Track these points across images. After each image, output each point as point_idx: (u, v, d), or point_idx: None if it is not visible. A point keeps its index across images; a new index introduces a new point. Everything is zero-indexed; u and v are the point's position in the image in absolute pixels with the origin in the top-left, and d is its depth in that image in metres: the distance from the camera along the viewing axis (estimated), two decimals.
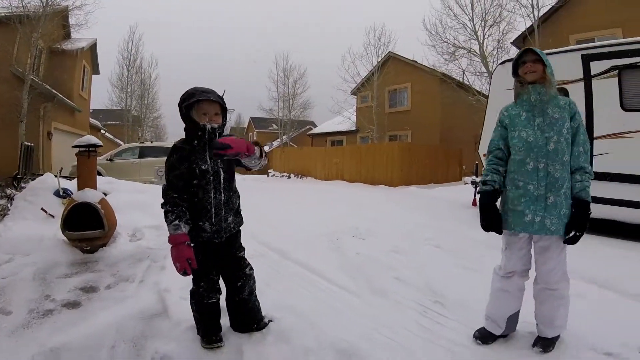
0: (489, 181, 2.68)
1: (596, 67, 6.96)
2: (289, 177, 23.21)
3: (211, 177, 2.41)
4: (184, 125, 2.45)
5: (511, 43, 17.94)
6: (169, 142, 17.25)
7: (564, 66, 7.21)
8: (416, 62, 23.03)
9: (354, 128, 26.89)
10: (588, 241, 6.04)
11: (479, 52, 18.18)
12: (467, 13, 18.45)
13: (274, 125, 38.29)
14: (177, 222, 2.28)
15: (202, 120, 2.36)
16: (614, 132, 6.68)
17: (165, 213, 2.32)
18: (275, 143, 38.69)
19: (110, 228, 4.76)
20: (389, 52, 24.19)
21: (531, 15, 16.47)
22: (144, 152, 15.68)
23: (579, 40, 15.11)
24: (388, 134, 24.05)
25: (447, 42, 19.26)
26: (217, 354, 2.57)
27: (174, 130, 43.96)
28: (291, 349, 2.59)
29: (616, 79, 6.73)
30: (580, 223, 2.48)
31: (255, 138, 41.48)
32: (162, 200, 2.35)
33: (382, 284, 4.01)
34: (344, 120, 27.35)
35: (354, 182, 18.56)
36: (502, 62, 8.53)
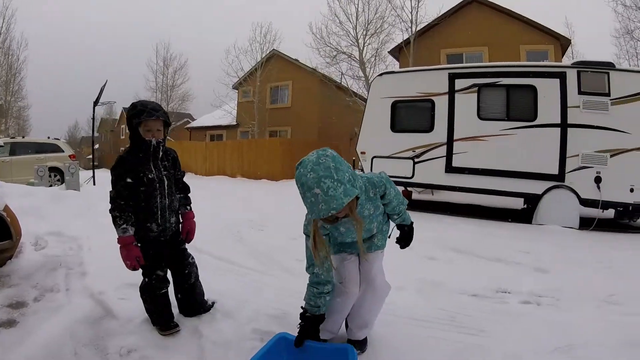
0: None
1: (460, 83, 8.70)
2: None
3: (157, 185, 2.74)
4: (130, 135, 2.76)
5: (388, 52, 19.71)
6: (42, 138, 15.49)
7: (434, 81, 8.97)
8: (298, 61, 23.85)
9: (234, 122, 26.79)
10: (452, 221, 7.97)
11: (358, 58, 19.79)
12: (352, 21, 19.97)
13: None
14: (125, 225, 2.57)
15: (146, 136, 2.67)
16: (471, 135, 8.46)
17: (114, 218, 2.59)
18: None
19: (18, 237, 4.26)
20: (274, 49, 24.59)
21: (409, 30, 18.32)
22: (15, 149, 14.10)
23: (449, 54, 17.49)
24: (268, 130, 24.59)
25: (330, 46, 20.56)
26: (178, 337, 2.81)
27: (40, 125, 39.34)
28: (237, 320, 3.01)
29: (476, 94, 8.51)
30: (407, 239, 2.68)
31: (127, 131, 38.38)
32: (110, 207, 2.61)
33: (289, 264, 4.75)
34: (224, 114, 26.97)
35: (236, 177, 18.89)
36: (381, 74, 9.93)
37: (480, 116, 8.47)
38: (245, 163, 19.20)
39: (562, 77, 7.94)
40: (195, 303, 3.07)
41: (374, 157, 9.33)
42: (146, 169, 2.69)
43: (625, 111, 7.70)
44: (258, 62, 24.35)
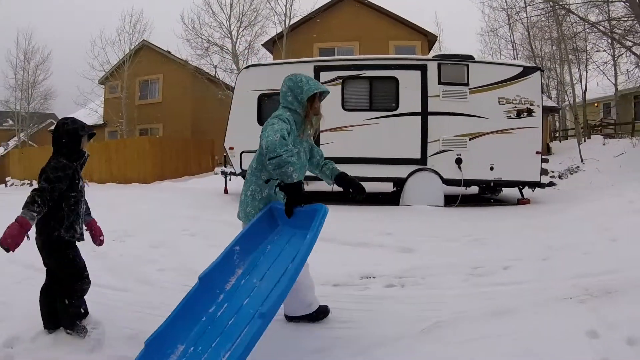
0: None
1: (325, 76, 8.68)
2: (32, 184, 19.21)
3: (82, 192, 3.01)
4: (64, 144, 2.90)
5: (262, 45, 19.42)
6: None
7: None
8: (170, 52, 22.56)
9: (101, 122, 24.26)
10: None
11: (231, 51, 19.15)
12: (226, 12, 19.33)
13: (10, 121, 31.28)
14: (36, 215, 2.60)
15: (84, 147, 2.99)
16: (337, 126, 8.42)
17: (33, 202, 2.61)
18: (12, 143, 31.30)
19: None
20: (144, 40, 22.85)
21: (283, 23, 18.18)
22: None
23: (322, 48, 17.68)
24: (138, 128, 22.87)
25: (202, 38, 19.76)
26: None
27: None
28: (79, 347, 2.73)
29: (340, 86, 8.60)
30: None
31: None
32: (37, 193, 2.65)
33: (149, 276, 4.43)
34: (90, 113, 24.10)
35: (105, 183, 16.56)
36: (247, 67, 9.69)
37: (344, 107, 8.63)
38: (113, 166, 17.51)
39: (423, 69, 8.45)
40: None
41: (243, 152, 8.92)
42: (79, 176, 2.98)
43: (483, 99, 8.46)
44: (126, 54, 22.47)
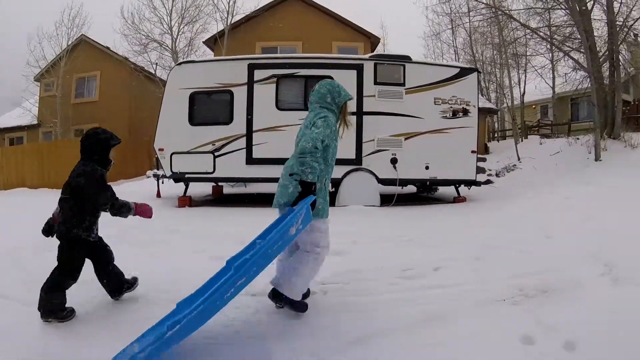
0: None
1: (259, 74, 8.46)
2: None
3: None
4: (95, 152, 3.25)
5: (203, 42, 18.82)
6: None
7: (233, 72, 8.60)
8: (109, 49, 21.46)
9: (35, 122, 22.89)
10: (251, 213, 7.44)
11: (170, 48, 18.51)
12: (167, 8, 18.73)
13: None
14: (124, 202, 3.18)
15: (111, 157, 3.35)
16: (270, 126, 8.32)
17: (121, 206, 3.14)
18: None
19: None
20: (82, 35, 21.60)
21: (225, 20, 17.75)
22: None
23: (265, 47, 17.28)
24: (73, 128, 21.41)
25: (141, 34, 18.99)
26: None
27: None
28: None
29: (274, 85, 8.41)
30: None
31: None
32: (112, 205, 3.11)
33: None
34: (24, 112, 22.92)
35: (39, 189, 15.49)
36: (179, 64, 9.28)
37: (278, 106, 8.45)
38: (47, 170, 16.26)
39: (359, 68, 8.40)
40: (119, 281, 3.46)
41: (173, 153, 8.50)
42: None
43: (419, 99, 8.50)
44: (64, 49, 21.15)
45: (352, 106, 7.98)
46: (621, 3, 13.63)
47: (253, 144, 8.43)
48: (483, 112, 18.61)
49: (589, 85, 12.82)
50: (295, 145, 3.29)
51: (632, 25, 13.77)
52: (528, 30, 14.96)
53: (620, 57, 14.13)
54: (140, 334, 2.52)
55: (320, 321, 3.05)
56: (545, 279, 3.82)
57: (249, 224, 5.20)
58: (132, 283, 3.51)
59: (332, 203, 8.05)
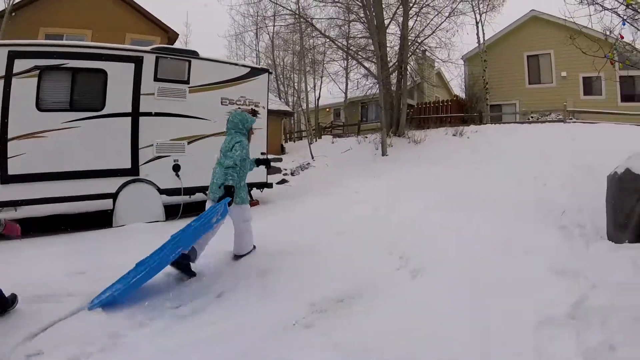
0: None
1: (20, 65, 6.54)
2: None
3: None
4: None
5: None
6: None
7: None
8: None
9: None
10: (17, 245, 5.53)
11: None
12: None
13: None
14: None
15: None
16: (30, 132, 6.54)
17: None
18: None
19: None
20: None
21: (5, 1, 15.00)
22: None
23: (49, 34, 14.93)
24: None
25: None
26: None
27: None
28: None
29: (36, 79, 6.60)
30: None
31: None
32: None
33: None
34: None
35: None
36: None
37: (39, 107, 6.65)
38: None
39: (138, 62, 7.27)
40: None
41: None
42: None
43: (205, 99, 7.87)
44: None
45: (126, 106, 7.15)
46: (416, 21, 15.60)
47: (8, 156, 6.40)
48: (279, 114, 19.24)
49: (377, 90, 14.10)
50: (219, 163, 4.80)
51: (422, 41, 15.74)
52: (327, 39, 15.92)
53: (408, 67, 15.89)
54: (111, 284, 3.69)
55: None
56: (340, 288, 3.68)
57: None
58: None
59: (111, 224, 6.98)
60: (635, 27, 6.78)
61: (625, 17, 6.26)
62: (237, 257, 4.87)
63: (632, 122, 13.64)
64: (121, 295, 3.53)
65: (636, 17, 6.69)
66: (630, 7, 5.95)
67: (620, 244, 4.05)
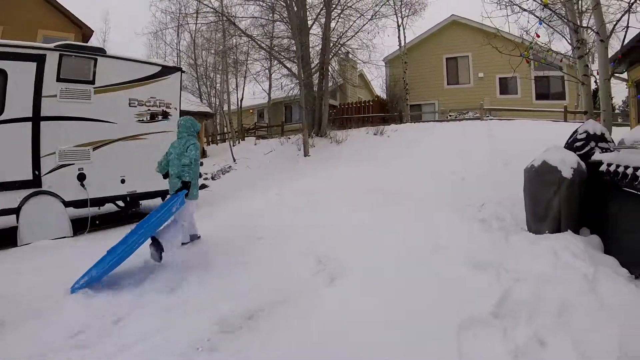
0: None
1: None
2: None
3: None
4: None
5: None
6: None
7: None
8: None
9: None
10: None
11: None
12: None
13: None
14: None
15: None
16: None
17: None
18: None
19: None
20: None
21: None
22: None
23: None
24: None
25: None
26: None
27: None
28: None
29: None
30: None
31: None
32: None
33: None
34: None
35: None
36: None
37: None
38: None
39: (40, 60, 6.63)
40: None
41: None
42: None
43: (111, 100, 7.37)
44: None
45: (27, 109, 6.47)
46: (338, 22, 15.79)
47: None
48: (199, 115, 18.69)
49: (299, 90, 14.10)
50: (172, 164, 5.52)
51: (344, 43, 15.94)
52: (250, 39, 15.72)
53: (330, 68, 16.05)
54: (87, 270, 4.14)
55: None
56: (250, 301, 3.50)
57: None
58: None
59: (15, 243, 6.27)
60: (552, 28, 7.31)
61: (541, 18, 6.69)
62: (155, 240, 4.78)
63: (546, 118, 14.69)
64: (99, 277, 4.14)
65: (552, 19, 7.23)
66: (547, 7, 6.33)
67: (541, 234, 4.22)
